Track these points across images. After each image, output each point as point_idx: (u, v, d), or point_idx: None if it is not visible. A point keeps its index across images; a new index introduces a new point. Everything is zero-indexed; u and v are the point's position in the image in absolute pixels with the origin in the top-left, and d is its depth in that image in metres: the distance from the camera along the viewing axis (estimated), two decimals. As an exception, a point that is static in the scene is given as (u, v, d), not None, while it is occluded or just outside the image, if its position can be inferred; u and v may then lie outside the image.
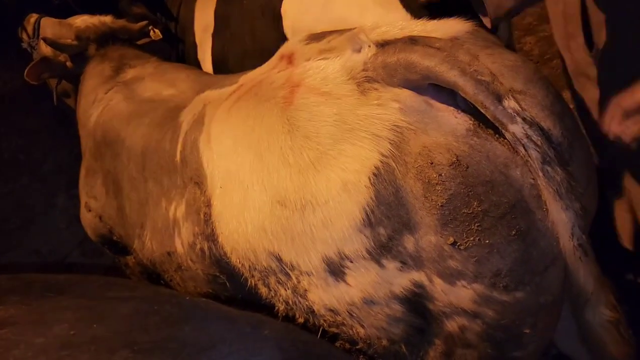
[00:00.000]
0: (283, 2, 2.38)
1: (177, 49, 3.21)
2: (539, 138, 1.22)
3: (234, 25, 2.76)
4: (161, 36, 3.01)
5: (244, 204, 1.45)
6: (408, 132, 1.27)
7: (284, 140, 1.38)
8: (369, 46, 1.39)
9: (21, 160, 3.18)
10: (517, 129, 1.21)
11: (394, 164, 1.26)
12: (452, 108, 1.30)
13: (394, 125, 1.28)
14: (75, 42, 2.70)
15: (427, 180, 1.23)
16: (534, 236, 1.25)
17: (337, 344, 1.49)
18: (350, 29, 1.52)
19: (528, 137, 1.21)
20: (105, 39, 2.70)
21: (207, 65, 2.91)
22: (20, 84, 2.79)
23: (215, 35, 2.90)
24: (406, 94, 1.31)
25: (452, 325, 1.30)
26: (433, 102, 1.31)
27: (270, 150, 1.40)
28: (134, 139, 2.02)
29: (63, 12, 2.95)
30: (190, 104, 1.87)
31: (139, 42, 2.87)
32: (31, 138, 3.17)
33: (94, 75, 2.54)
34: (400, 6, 1.93)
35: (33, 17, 2.96)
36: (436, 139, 1.25)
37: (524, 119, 1.22)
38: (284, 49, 1.65)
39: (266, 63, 1.71)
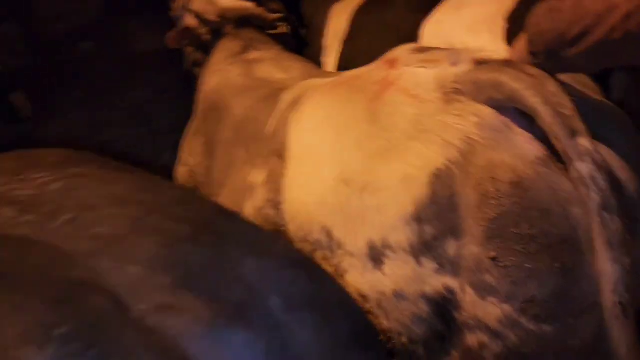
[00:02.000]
0: (423, 25, 2.47)
1: (300, 48, 3.42)
2: (605, 183, 1.22)
3: (367, 36, 2.88)
4: (289, 31, 3.24)
5: (312, 176, 1.55)
6: (478, 146, 1.32)
7: (363, 127, 1.47)
8: (466, 62, 1.45)
9: (144, 112, 3.52)
10: (583, 167, 1.22)
11: (456, 171, 1.31)
12: (528, 134, 1.33)
13: (467, 137, 1.33)
14: (217, 19, 2.97)
15: (484, 193, 1.27)
16: (578, 276, 1.25)
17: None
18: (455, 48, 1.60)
19: (593, 178, 1.21)
20: (242, 21, 2.95)
21: (329, 68, 3.07)
22: (162, 45, 3.11)
23: (346, 42, 3.05)
24: (487, 112, 1.36)
25: (472, 339, 1.31)
26: (512, 125, 1.35)
27: (349, 133, 1.50)
28: (237, 109, 2.21)
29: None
30: (293, 87, 2.01)
31: (270, 32, 3.11)
32: (158, 95, 3.50)
33: (223, 50, 2.78)
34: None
35: None
36: (504, 158, 1.29)
37: (593, 160, 1.22)
38: (390, 54, 1.75)
39: (372, 64, 1.82)
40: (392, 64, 1.68)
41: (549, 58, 1.35)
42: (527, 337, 1.25)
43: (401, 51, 1.73)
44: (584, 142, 1.24)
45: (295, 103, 1.85)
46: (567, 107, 1.27)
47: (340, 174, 1.47)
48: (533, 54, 1.40)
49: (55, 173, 0.91)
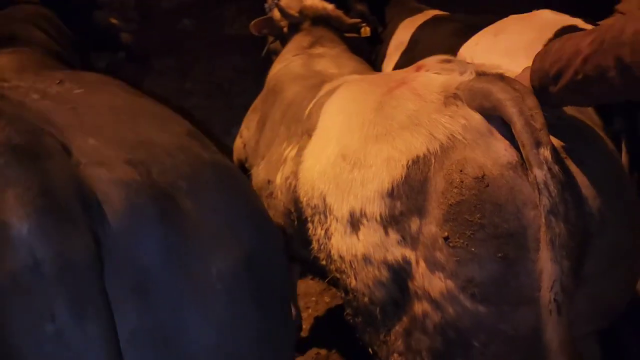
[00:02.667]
0: (461, 47, 2.67)
1: (374, 51, 3.67)
2: (555, 190, 1.36)
3: (418, 50, 3.12)
4: (369, 34, 3.50)
5: (321, 150, 1.79)
6: (459, 144, 1.50)
7: (369, 113, 1.69)
8: (471, 73, 1.64)
9: (224, 88, 3.88)
10: (540, 174, 1.37)
11: (433, 160, 1.50)
12: (507, 142, 1.49)
13: (452, 135, 1.52)
14: (297, 15, 3.28)
15: (450, 181, 1.45)
16: (518, 270, 1.40)
17: (338, 292, 1.76)
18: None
19: (546, 184, 1.36)
20: (319, 20, 3.24)
21: (385, 74, 3.31)
22: (248, 32, 3.47)
23: (403, 54, 3.30)
24: (476, 117, 1.54)
25: (418, 308, 1.50)
26: (495, 131, 1.51)
27: (356, 117, 1.72)
28: (288, 93, 2.49)
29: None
30: (334, 80, 2.27)
31: (346, 34, 3.38)
32: (239, 75, 3.87)
33: (294, 42, 3.09)
34: None
35: None
36: (477, 157, 1.47)
37: (549, 169, 1.37)
38: (421, 61, 1.96)
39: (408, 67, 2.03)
40: (419, 68, 1.89)
41: (541, 92, 1.51)
42: (462, 313, 1.42)
43: (431, 59, 1.94)
44: (545, 153, 1.39)
45: (331, 92, 2.09)
46: (539, 121, 1.42)
47: (340, 149, 1.70)
48: (532, 86, 1.55)
49: (84, 85, 1.19)
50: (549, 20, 2.45)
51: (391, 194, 1.52)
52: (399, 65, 3.15)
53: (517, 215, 1.41)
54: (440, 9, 3.58)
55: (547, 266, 1.37)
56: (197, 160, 1.11)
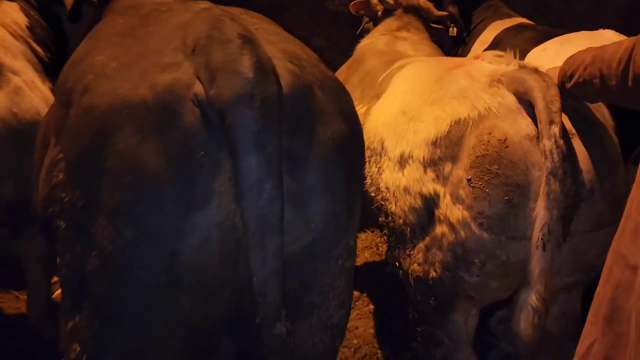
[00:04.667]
0: (531, 51, 3.09)
1: (456, 47, 4.12)
2: (558, 158, 1.81)
3: (498, 49, 3.53)
4: (455, 34, 3.95)
5: (386, 107, 2.31)
6: (492, 114, 1.96)
7: (429, 84, 2.19)
8: (514, 65, 2.10)
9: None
10: (547, 144, 1.82)
11: (470, 123, 1.97)
12: (530, 120, 1.94)
13: (488, 107, 1.99)
14: (392, 2, 3.76)
15: (480, 139, 1.92)
16: (518, 212, 1.87)
17: (380, 219, 2.28)
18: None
19: (551, 152, 1.81)
20: (410, 9, 3.71)
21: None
22: (347, 9, 3.97)
23: (485, 50, 3.72)
24: (510, 98, 2.00)
25: (438, 230, 1.99)
26: (522, 110, 1.97)
27: (418, 86, 2.22)
28: (368, 64, 3.01)
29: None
30: (407, 58, 2.76)
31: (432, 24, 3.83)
32: (330, 46, 4.38)
33: (385, 25, 3.58)
34: None
35: None
36: (504, 125, 1.93)
37: (556, 142, 1.82)
38: (479, 53, 2.43)
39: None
40: (477, 57, 2.36)
41: (561, 86, 1.96)
42: (471, 236, 1.91)
43: (488, 53, 2.40)
44: (555, 129, 1.84)
45: (402, 67, 2.59)
46: (556, 106, 1.87)
47: (402, 107, 2.20)
48: (557, 82, 2.00)
49: (255, 17, 1.77)
50: (609, 38, 2.84)
51: (435, 143, 2.01)
52: (481, 60, 3.59)
53: (525, 172, 1.87)
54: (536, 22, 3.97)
55: (540, 212, 1.82)
56: (323, 71, 1.68)
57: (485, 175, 1.89)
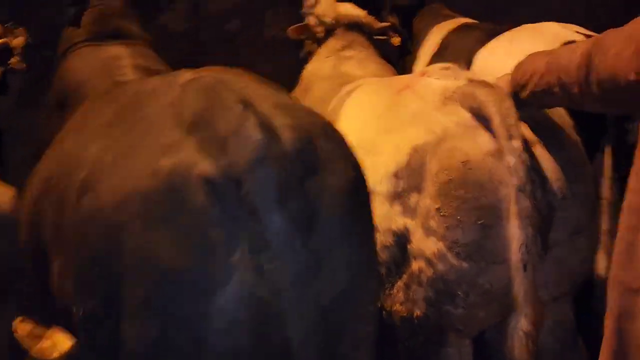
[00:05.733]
0: (477, 54, 3.03)
1: (403, 57, 4.06)
2: (523, 173, 1.73)
3: (447, 54, 3.48)
4: (399, 44, 3.89)
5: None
6: (450, 136, 1.88)
7: (379, 110, 2.10)
8: (463, 79, 2.02)
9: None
10: (511, 160, 1.75)
11: (429, 148, 1.88)
12: (489, 135, 1.87)
13: (446, 128, 1.90)
14: (332, 22, 3.67)
15: (442, 165, 1.84)
16: (493, 235, 1.78)
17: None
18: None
19: (516, 168, 1.74)
20: (353, 26, 3.63)
21: (416, 76, 3.70)
22: (285, 35, 3.88)
23: (433, 57, 3.66)
24: (466, 115, 1.92)
25: (415, 265, 1.89)
26: (480, 127, 1.89)
27: (371, 112, 2.14)
28: (317, 91, 2.93)
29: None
30: (355, 82, 2.67)
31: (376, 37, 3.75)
32: (278, 71, 4.29)
33: (328, 46, 3.48)
34: None
35: None
36: (464, 146, 1.85)
37: (519, 156, 1.74)
38: (427, 67, 2.35)
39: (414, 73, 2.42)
40: (423, 74, 2.28)
41: (514, 96, 1.89)
42: (449, 268, 1.81)
43: (434, 67, 2.33)
44: (517, 143, 1.77)
45: (351, 91, 2.50)
46: (512, 118, 1.80)
47: (357, 139, 2.08)
48: (509, 91, 1.93)
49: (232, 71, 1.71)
50: (554, 32, 2.79)
51: (396, 175, 1.92)
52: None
53: (494, 191, 1.79)
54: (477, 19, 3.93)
55: (515, 232, 1.74)
56: (315, 115, 1.69)
57: (453, 202, 1.80)
